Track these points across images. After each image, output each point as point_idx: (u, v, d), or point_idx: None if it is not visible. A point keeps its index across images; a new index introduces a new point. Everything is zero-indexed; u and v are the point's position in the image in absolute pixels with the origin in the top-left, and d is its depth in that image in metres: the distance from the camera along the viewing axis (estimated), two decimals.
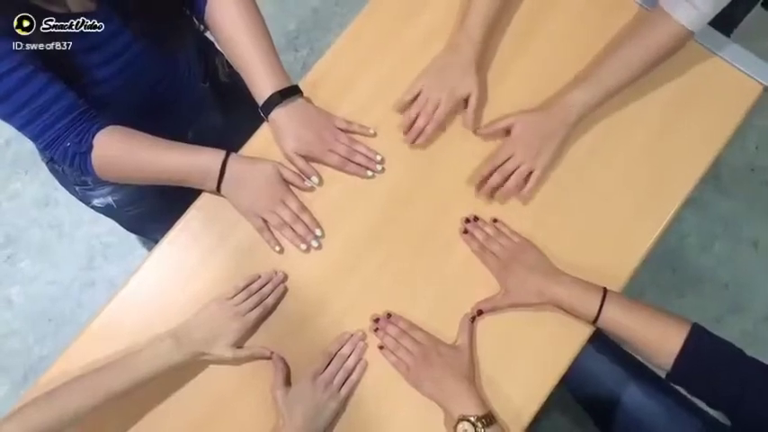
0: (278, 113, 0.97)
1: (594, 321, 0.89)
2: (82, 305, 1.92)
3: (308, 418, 0.86)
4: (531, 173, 0.98)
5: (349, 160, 1.00)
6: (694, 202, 1.94)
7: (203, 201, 1.01)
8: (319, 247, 0.99)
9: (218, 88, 1.25)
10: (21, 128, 0.86)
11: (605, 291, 0.90)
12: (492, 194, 1.00)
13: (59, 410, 0.80)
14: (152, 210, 1.21)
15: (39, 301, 1.93)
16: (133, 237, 1.94)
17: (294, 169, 1.00)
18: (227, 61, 1.24)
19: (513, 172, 0.97)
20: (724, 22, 1.03)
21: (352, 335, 0.95)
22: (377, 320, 0.95)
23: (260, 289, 0.95)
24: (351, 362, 0.93)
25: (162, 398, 0.93)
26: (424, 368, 0.90)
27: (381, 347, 0.94)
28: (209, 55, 1.22)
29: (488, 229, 0.98)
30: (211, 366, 0.94)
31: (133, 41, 0.92)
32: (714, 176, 1.99)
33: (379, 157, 1.02)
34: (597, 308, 0.88)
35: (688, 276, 1.93)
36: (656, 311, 0.87)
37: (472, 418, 0.83)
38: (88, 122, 0.89)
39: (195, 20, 1.01)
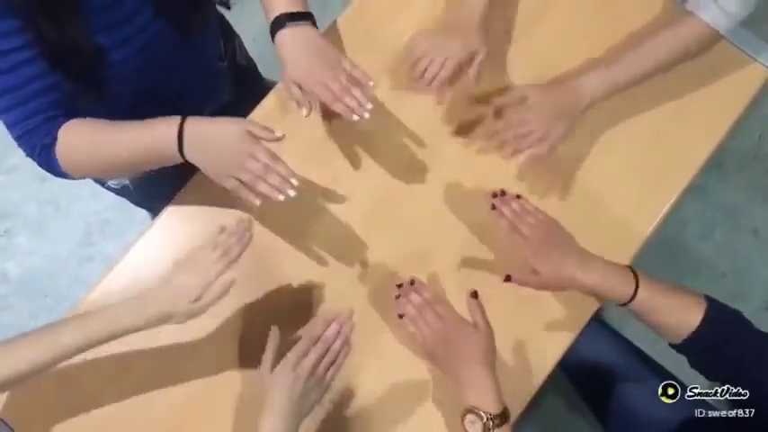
0: (282, 35, 0.92)
1: (625, 304, 0.85)
2: (79, 280, 1.92)
3: (293, 403, 0.80)
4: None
5: (339, 100, 0.91)
6: (696, 189, 1.93)
7: (202, 174, 0.99)
8: (297, 195, 0.87)
9: (236, 69, 1.24)
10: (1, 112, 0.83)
11: (635, 273, 0.86)
12: (501, 147, 0.98)
13: (10, 363, 0.77)
14: (170, 190, 1.12)
15: (35, 276, 1.93)
16: (131, 213, 1.91)
17: (261, 125, 0.89)
18: (243, 44, 1.25)
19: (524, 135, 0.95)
20: None
21: (338, 315, 0.88)
22: (400, 286, 0.91)
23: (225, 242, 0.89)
24: (337, 344, 0.86)
25: (154, 376, 0.93)
26: (442, 346, 0.86)
27: (401, 316, 0.90)
28: (228, 37, 1.21)
29: (514, 205, 0.93)
30: (200, 346, 0.93)
31: (152, 20, 0.89)
32: (717, 164, 1.99)
33: (369, 106, 0.91)
34: (632, 292, 0.84)
35: (687, 264, 1.92)
36: (673, 288, 0.85)
37: (484, 416, 0.77)
38: (62, 117, 0.85)
39: None
